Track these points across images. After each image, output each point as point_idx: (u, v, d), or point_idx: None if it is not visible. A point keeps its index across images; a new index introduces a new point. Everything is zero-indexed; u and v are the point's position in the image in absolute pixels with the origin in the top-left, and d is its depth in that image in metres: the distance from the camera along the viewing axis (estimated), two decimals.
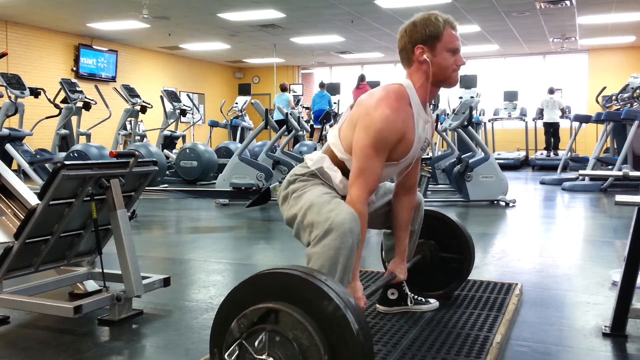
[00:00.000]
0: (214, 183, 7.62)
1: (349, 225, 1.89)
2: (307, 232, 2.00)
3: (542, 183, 9.06)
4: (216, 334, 1.58)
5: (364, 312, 1.49)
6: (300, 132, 8.26)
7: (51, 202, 2.46)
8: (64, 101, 8.45)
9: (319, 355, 1.40)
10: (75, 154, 7.73)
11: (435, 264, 2.74)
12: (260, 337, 1.45)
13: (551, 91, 12.57)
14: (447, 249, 2.74)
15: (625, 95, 8.81)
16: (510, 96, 13.27)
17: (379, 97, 2.03)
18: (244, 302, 1.51)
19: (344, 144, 2.10)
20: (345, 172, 2.11)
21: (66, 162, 2.45)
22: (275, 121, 7.79)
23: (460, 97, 7.88)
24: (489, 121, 13.51)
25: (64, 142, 8.49)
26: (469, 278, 3.19)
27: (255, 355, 1.44)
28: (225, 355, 1.51)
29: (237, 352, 1.48)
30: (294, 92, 14.74)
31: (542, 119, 12.62)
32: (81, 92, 8.51)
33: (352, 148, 2.04)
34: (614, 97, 9.59)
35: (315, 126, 11.63)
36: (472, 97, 7.61)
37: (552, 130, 12.47)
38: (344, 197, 2.07)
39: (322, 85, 12.48)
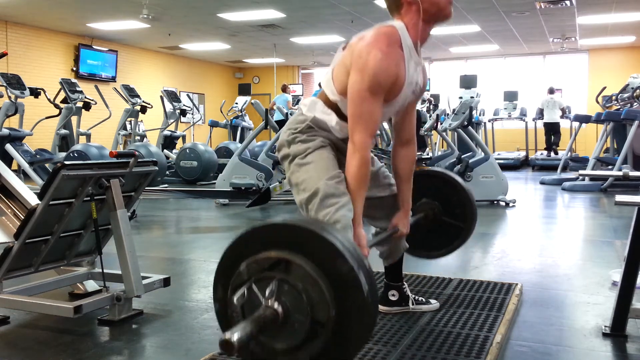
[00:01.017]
0: (214, 183, 7.62)
1: (347, 221, 1.94)
2: (307, 211, 2.04)
3: (542, 183, 9.05)
4: (222, 272, 1.56)
5: (371, 269, 1.46)
6: None
7: (51, 202, 2.46)
8: (64, 101, 8.44)
9: (327, 311, 1.39)
10: (75, 154, 7.73)
11: (435, 226, 2.71)
12: (269, 283, 1.43)
13: (551, 91, 12.57)
14: (451, 214, 2.70)
15: (625, 95, 8.81)
16: (510, 96, 13.26)
17: (371, 40, 2.01)
18: (256, 247, 1.49)
19: (337, 85, 2.09)
20: (338, 113, 2.11)
21: (66, 162, 2.45)
22: (275, 121, 7.79)
23: (460, 97, 7.86)
24: (489, 121, 13.50)
25: (64, 142, 8.48)
26: (469, 278, 3.20)
27: (263, 300, 1.43)
28: (232, 295, 1.49)
29: (244, 293, 1.46)
30: (294, 92, 14.73)
31: (542, 119, 12.62)
32: (81, 92, 8.50)
33: (348, 92, 2.03)
34: (614, 97, 9.59)
35: None
36: (472, 97, 7.59)
37: (552, 130, 12.46)
38: (343, 139, 2.08)
39: (321, 85, 12.49)
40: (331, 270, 1.41)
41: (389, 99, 2.07)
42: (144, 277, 2.74)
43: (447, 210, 2.71)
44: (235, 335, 1.28)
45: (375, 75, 1.96)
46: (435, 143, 11.84)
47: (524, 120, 13.29)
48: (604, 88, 10.07)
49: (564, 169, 10.00)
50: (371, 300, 1.42)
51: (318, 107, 2.13)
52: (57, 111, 8.53)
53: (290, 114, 7.59)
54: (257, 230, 1.55)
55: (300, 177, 2.08)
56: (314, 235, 1.45)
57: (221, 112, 12.12)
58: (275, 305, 1.41)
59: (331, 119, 2.10)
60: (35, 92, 7.67)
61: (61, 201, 2.52)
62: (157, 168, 2.92)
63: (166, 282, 2.87)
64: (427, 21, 2.07)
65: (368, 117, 2.00)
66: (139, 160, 2.70)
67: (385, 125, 7.82)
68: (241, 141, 10.99)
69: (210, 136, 12.80)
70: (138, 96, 9.76)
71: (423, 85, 2.24)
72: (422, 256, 2.71)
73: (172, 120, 10.25)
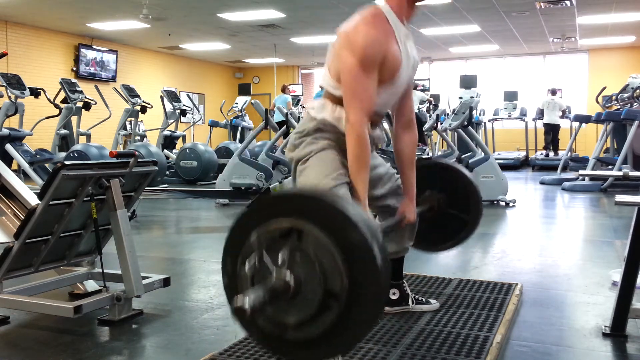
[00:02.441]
0: (214, 183, 7.62)
1: None
2: None
3: (542, 183, 9.05)
4: (231, 243, 1.51)
5: (384, 240, 1.42)
6: None
7: (51, 202, 2.46)
8: (64, 101, 8.45)
9: (340, 280, 1.34)
10: (75, 154, 7.73)
11: (440, 219, 2.65)
12: (281, 251, 1.39)
13: (553, 92, 12.56)
14: (456, 206, 2.65)
15: (625, 95, 8.81)
16: (510, 96, 13.26)
17: (356, 20, 2.02)
18: (267, 216, 1.45)
19: (334, 76, 2.07)
20: None
21: (66, 162, 2.45)
22: (275, 122, 7.79)
23: (460, 97, 7.86)
24: (489, 121, 13.50)
25: (64, 142, 8.48)
26: (469, 278, 3.20)
27: (274, 269, 1.38)
28: (242, 266, 1.44)
29: (255, 262, 1.42)
30: (294, 92, 14.72)
31: (543, 119, 12.61)
32: (81, 92, 8.51)
33: (340, 74, 2.00)
34: (614, 97, 9.59)
35: None
36: (472, 97, 7.59)
37: (552, 131, 12.45)
38: None
39: (322, 87, 12.48)
40: (345, 240, 1.36)
41: (391, 77, 2.04)
42: (144, 277, 2.74)
43: (453, 202, 2.65)
44: (247, 301, 1.23)
45: (364, 48, 1.94)
46: (435, 143, 11.84)
47: (524, 120, 13.29)
48: (604, 88, 10.07)
49: (564, 169, 10.00)
50: (384, 271, 1.36)
51: (327, 108, 2.10)
52: (57, 111, 8.53)
53: (291, 114, 7.58)
54: (268, 200, 1.50)
55: (301, 180, 2.08)
56: (328, 205, 1.40)
57: (221, 112, 12.12)
58: (287, 274, 1.36)
59: (342, 116, 2.06)
60: (35, 92, 7.67)
61: (61, 201, 2.53)
62: (157, 168, 2.92)
63: (166, 282, 2.87)
64: (410, 1, 2.10)
65: (362, 94, 1.96)
66: (139, 160, 2.70)
67: (385, 125, 7.82)
68: (241, 141, 10.99)
69: (210, 136, 12.80)
70: (138, 96, 9.76)
71: (418, 58, 2.23)
72: (428, 249, 2.66)
73: (172, 120, 10.25)
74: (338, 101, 2.07)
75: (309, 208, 1.42)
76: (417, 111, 11.31)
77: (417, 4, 2.13)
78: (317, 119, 2.10)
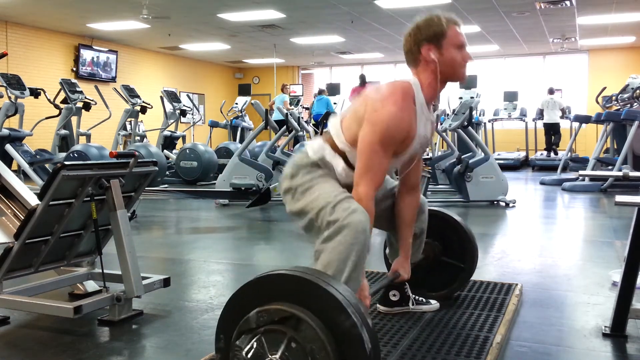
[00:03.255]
0: (214, 183, 7.62)
1: (362, 225, 1.90)
2: (319, 230, 1.99)
3: (542, 183, 9.06)
4: (226, 320, 1.60)
5: (373, 324, 1.56)
6: (301, 133, 8.27)
7: (51, 203, 2.46)
8: (64, 101, 8.45)
9: None
10: (75, 155, 7.73)
11: (436, 266, 2.73)
12: (279, 339, 1.48)
13: (551, 92, 12.56)
14: (451, 254, 2.73)
15: (625, 95, 8.81)
16: (510, 96, 13.26)
17: (386, 93, 2.04)
18: (264, 297, 1.53)
19: (347, 134, 2.10)
20: (346, 161, 2.11)
21: (66, 163, 2.45)
22: (275, 121, 7.79)
23: (460, 98, 7.88)
24: (489, 121, 13.50)
25: (64, 142, 8.48)
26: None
27: (269, 353, 1.47)
28: (237, 342, 1.52)
29: (251, 342, 1.50)
30: (294, 92, 14.72)
31: (542, 119, 12.61)
32: (81, 92, 8.51)
33: (358, 143, 2.04)
34: (614, 98, 9.59)
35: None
36: (472, 98, 7.61)
37: (552, 130, 12.46)
38: (346, 186, 2.07)
39: (320, 92, 12.49)
40: (335, 325, 1.46)
41: (398, 153, 2.09)
42: (144, 278, 2.74)
43: (448, 250, 2.73)
44: None
45: (387, 129, 1.99)
46: (435, 143, 11.84)
47: (524, 121, 13.29)
48: (604, 88, 10.07)
49: (564, 170, 10.00)
50: (373, 355, 1.46)
51: (326, 152, 2.13)
52: (57, 111, 8.54)
53: (290, 114, 7.58)
54: (264, 280, 1.59)
55: (306, 200, 2.06)
56: (319, 288, 1.50)
57: (221, 112, 12.12)
58: None
59: (338, 164, 2.11)
60: (35, 93, 7.67)
61: (61, 201, 2.52)
62: (157, 168, 2.92)
63: (166, 282, 2.87)
64: (442, 82, 2.12)
65: (377, 170, 2.02)
66: (138, 160, 2.70)
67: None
68: (241, 141, 10.99)
69: (210, 136, 12.80)
70: (138, 96, 9.76)
71: (430, 136, 2.27)
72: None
73: (172, 121, 10.25)
74: (338, 151, 2.12)
75: (302, 292, 1.52)
76: None
77: (445, 85, 2.16)
78: (316, 158, 2.13)
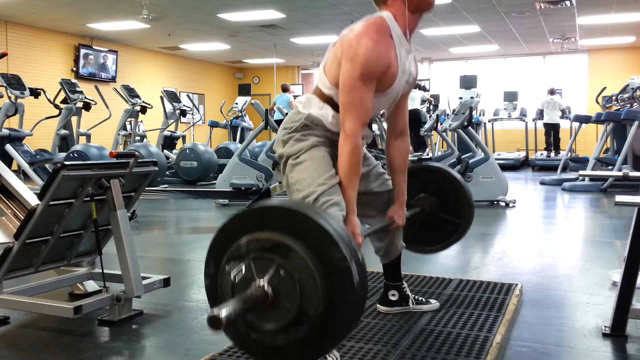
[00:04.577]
0: (214, 183, 7.62)
1: (338, 219, 1.95)
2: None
3: (542, 183, 9.05)
4: (216, 246, 1.59)
5: (363, 259, 1.50)
6: None
7: (51, 203, 2.46)
8: (64, 101, 8.44)
9: (316, 305, 1.42)
10: (75, 155, 7.73)
11: (431, 222, 2.71)
12: (267, 265, 1.46)
13: (552, 92, 12.56)
14: (448, 210, 2.71)
15: (625, 95, 8.81)
16: (510, 96, 13.26)
17: (361, 30, 2.04)
18: (255, 225, 1.52)
19: (330, 78, 2.11)
20: (334, 107, 2.12)
21: (66, 163, 2.45)
22: (275, 121, 7.79)
23: (460, 98, 7.86)
24: (489, 121, 13.50)
25: (64, 142, 8.48)
26: (469, 279, 3.20)
27: (257, 279, 1.46)
28: (226, 266, 1.52)
29: (240, 267, 1.49)
30: (293, 92, 14.73)
31: (543, 119, 12.61)
32: (81, 92, 8.50)
33: (339, 82, 2.04)
34: (614, 98, 9.59)
35: None
36: (472, 98, 7.59)
37: (552, 131, 12.45)
38: (339, 133, 2.07)
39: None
40: (325, 258, 1.44)
41: (383, 89, 2.09)
42: (144, 278, 2.74)
43: (444, 206, 2.71)
44: (223, 312, 1.30)
45: (366, 62, 1.98)
46: (435, 143, 11.84)
47: (524, 121, 13.29)
48: (604, 88, 10.07)
49: (564, 170, 10.00)
50: (360, 291, 1.45)
51: (314, 103, 2.14)
52: (57, 111, 8.53)
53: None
54: (256, 211, 1.57)
55: (294, 177, 2.10)
56: (312, 221, 1.48)
57: (221, 112, 12.12)
58: (267, 287, 1.44)
59: (327, 113, 2.11)
60: (35, 93, 7.67)
61: (61, 201, 2.52)
62: (157, 168, 2.92)
63: (166, 282, 2.87)
64: (412, 11, 2.12)
65: (359, 105, 2.02)
66: (138, 160, 2.70)
67: (385, 124, 7.82)
68: (241, 141, 10.99)
69: (210, 136, 12.80)
70: (138, 96, 9.76)
71: (415, 74, 2.27)
72: (417, 251, 2.72)
73: (172, 121, 10.25)
74: (326, 99, 2.12)
75: (294, 223, 1.49)
76: (417, 111, 11.31)
77: (419, 15, 2.15)
78: (304, 114, 2.13)
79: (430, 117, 9.18)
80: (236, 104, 12.21)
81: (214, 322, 1.29)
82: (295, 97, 13.20)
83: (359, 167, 2.06)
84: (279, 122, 7.92)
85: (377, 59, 2.00)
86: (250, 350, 1.61)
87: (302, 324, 1.45)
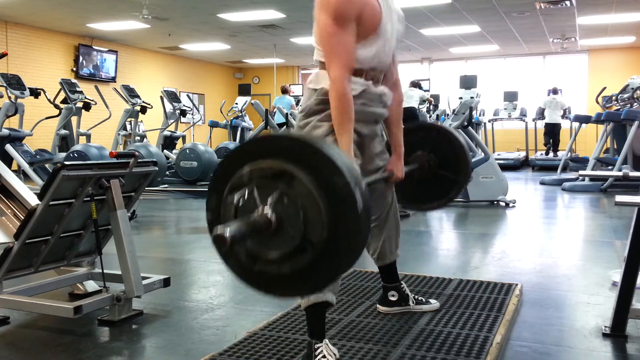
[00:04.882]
0: None
1: None
2: None
3: (542, 183, 9.06)
4: (219, 179, 1.55)
5: (367, 187, 1.48)
6: None
7: (51, 203, 2.46)
8: (64, 101, 8.44)
9: (319, 232, 1.40)
10: (75, 155, 7.72)
11: (429, 179, 2.72)
12: (270, 192, 1.43)
13: (554, 91, 12.54)
14: (446, 167, 2.71)
15: (625, 95, 8.81)
16: (510, 96, 13.26)
17: None
18: (259, 155, 1.49)
19: (319, 43, 2.09)
20: None
21: (66, 163, 2.45)
22: (277, 124, 7.78)
23: (460, 98, 7.86)
24: (489, 121, 13.50)
25: (64, 142, 8.48)
26: (469, 279, 3.20)
27: (260, 206, 1.43)
28: (229, 197, 1.49)
29: (243, 195, 1.46)
30: (293, 92, 14.72)
31: (543, 119, 12.60)
32: (81, 92, 8.50)
33: (318, 35, 2.03)
34: (614, 98, 9.59)
35: None
36: (472, 98, 7.59)
37: (552, 131, 12.44)
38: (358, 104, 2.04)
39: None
40: (329, 184, 1.41)
41: (373, 29, 2.06)
42: (144, 278, 2.74)
43: (442, 162, 2.72)
44: (228, 231, 1.28)
45: (336, 5, 1.97)
46: None
47: (524, 121, 13.29)
48: (604, 88, 10.07)
49: (564, 170, 10.00)
50: (364, 218, 1.42)
51: (322, 77, 2.10)
52: (57, 111, 8.53)
53: (291, 115, 7.58)
54: (261, 140, 1.54)
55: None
56: (314, 149, 1.45)
57: (221, 112, 12.12)
58: (271, 213, 1.41)
59: None
60: (35, 93, 7.67)
61: (61, 201, 2.53)
62: (157, 168, 2.93)
63: (166, 282, 2.87)
64: None
65: (339, 49, 1.99)
66: (138, 160, 2.70)
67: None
68: (241, 141, 10.99)
69: (210, 136, 12.80)
70: (138, 96, 9.76)
71: (400, 26, 2.26)
72: (415, 209, 2.70)
73: (172, 121, 10.24)
74: (325, 67, 2.09)
75: (298, 151, 1.46)
76: (414, 109, 11.29)
77: None
78: (317, 91, 2.10)
79: (430, 117, 9.18)
80: (236, 104, 12.21)
81: (219, 240, 1.26)
82: (293, 97, 13.20)
83: (349, 112, 2.00)
84: (280, 124, 7.91)
85: (350, 1, 1.98)
86: (255, 283, 1.56)
87: (306, 251, 1.42)
